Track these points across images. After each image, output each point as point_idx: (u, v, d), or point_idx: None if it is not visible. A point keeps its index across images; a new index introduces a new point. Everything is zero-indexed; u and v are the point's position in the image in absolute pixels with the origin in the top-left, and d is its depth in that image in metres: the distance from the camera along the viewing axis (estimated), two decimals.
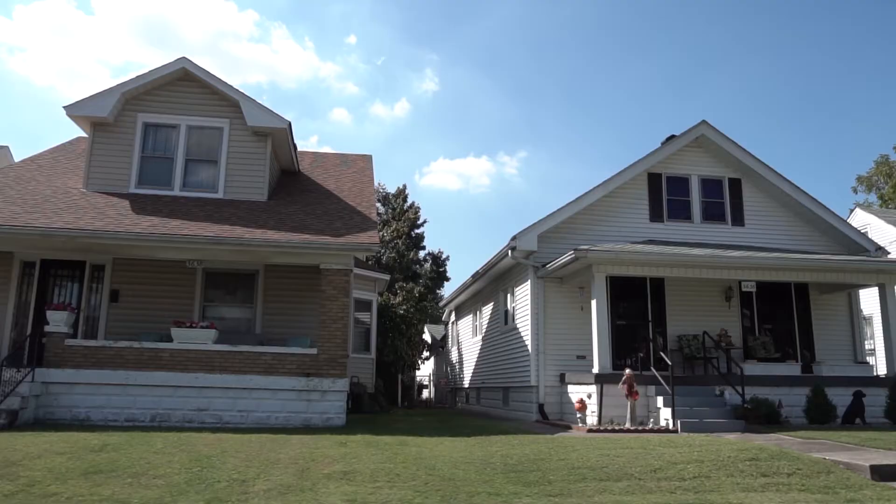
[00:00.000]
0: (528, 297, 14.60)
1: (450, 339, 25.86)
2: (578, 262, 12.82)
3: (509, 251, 14.53)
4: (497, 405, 17.27)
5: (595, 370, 12.67)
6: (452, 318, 25.02)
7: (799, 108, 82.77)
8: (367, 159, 18.69)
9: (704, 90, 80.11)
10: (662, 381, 12.09)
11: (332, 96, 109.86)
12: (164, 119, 14.28)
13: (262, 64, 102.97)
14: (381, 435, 10.24)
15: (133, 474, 6.72)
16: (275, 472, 7.01)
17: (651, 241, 14.91)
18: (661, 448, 8.54)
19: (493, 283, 17.98)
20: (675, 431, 11.11)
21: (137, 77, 14.09)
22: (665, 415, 11.79)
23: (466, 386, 21.43)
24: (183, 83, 14.44)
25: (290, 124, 14.22)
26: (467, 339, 21.67)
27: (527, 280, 14.84)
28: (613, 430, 11.23)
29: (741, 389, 12.02)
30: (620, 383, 11.97)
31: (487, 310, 18.94)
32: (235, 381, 11.71)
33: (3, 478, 6.38)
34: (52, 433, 9.26)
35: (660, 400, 12.05)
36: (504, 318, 17.04)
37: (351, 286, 13.02)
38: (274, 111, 14.22)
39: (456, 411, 20.52)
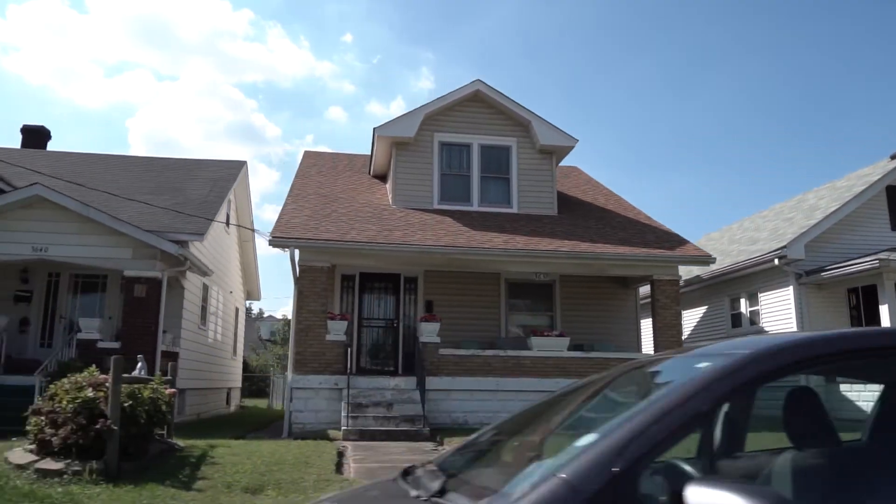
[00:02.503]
0: (791, 301, 15.65)
1: None
2: (879, 269, 13.90)
3: (776, 259, 15.58)
4: None
5: None
6: None
7: (798, 108, 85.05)
8: (579, 170, 19.65)
9: (704, 90, 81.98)
10: None
11: (328, 95, 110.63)
12: (458, 138, 15.10)
13: (258, 63, 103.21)
14: None
15: None
16: None
17: (894, 249, 16.04)
18: None
19: (709, 287, 19.00)
20: None
21: (437, 99, 14.91)
22: None
23: None
24: (473, 104, 15.27)
25: (577, 142, 15.12)
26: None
27: (784, 286, 15.89)
28: None
29: None
30: None
31: (693, 313, 19.96)
32: None
33: None
34: None
35: None
36: (732, 321, 18.09)
37: (679, 295, 13.95)
38: (563, 130, 15.11)
39: None
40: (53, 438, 6.51)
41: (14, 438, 9.33)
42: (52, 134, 19.23)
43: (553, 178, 15.30)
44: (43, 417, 6.80)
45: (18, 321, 13.18)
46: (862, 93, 78.28)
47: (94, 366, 7.88)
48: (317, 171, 17.22)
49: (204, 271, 13.60)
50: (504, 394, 12.39)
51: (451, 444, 9.83)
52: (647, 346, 17.84)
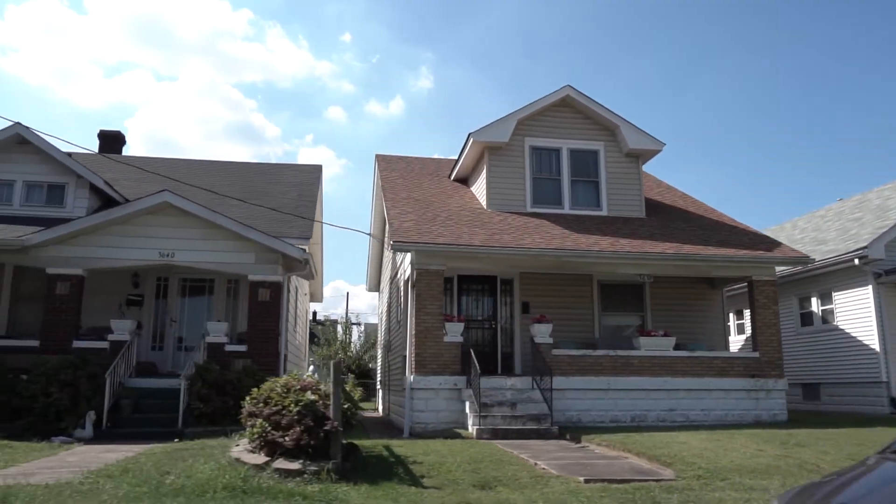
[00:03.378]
0: (870, 300, 16.01)
1: None
2: None
3: (856, 259, 15.94)
4: (793, 400, 18.67)
5: None
6: None
7: (798, 108, 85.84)
8: (646, 173, 19.97)
9: (703, 89, 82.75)
10: None
11: (328, 95, 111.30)
12: (548, 142, 15.42)
13: (257, 63, 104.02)
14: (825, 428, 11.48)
15: None
16: None
17: None
18: None
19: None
20: None
21: (528, 105, 15.23)
22: None
23: None
24: (561, 108, 15.59)
25: (664, 145, 15.44)
26: None
27: (862, 285, 16.26)
28: None
29: None
30: None
31: None
32: (696, 383, 13.00)
33: None
34: (671, 433, 10.40)
35: None
36: (801, 320, 18.47)
37: (777, 295, 14.26)
38: (650, 133, 15.44)
39: None
40: (283, 440, 6.79)
41: (176, 440, 9.64)
42: (126, 139, 19.45)
43: (640, 182, 15.64)
44: (261, 420, 7.08)
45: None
46: (861, 93, 79.07)
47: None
48: (398, 175, 17.53)
49: (312, 274, 13.89)
50: (614, 392, 12.72)
51: (592, 442, 10.16)
52: (734, 344, 18.23)
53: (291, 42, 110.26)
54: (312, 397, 7.08)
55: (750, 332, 20.88)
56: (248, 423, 7.23)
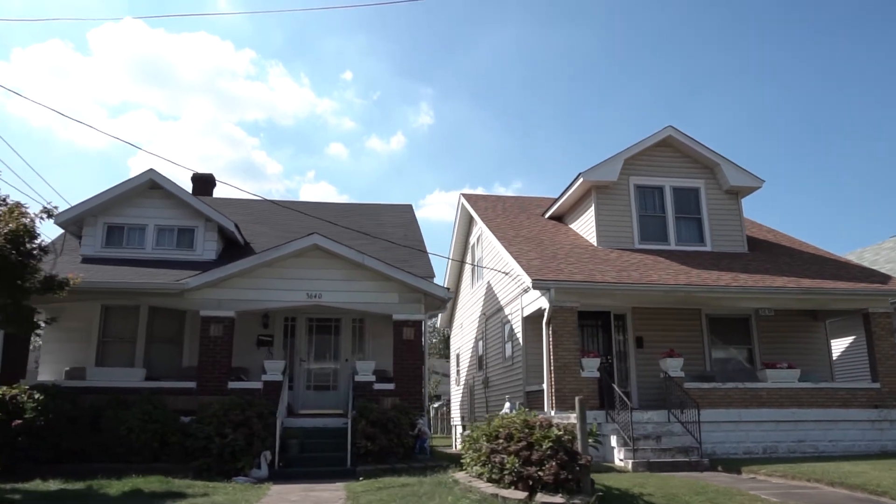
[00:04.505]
0: None
1: None
2: None
3: None
4: None
5: None
6: None
7: (797, 131, 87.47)
8: None
9: (702, 113, 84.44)
10: None
11: (329, 132, 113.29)
12: (651, 181, 15.95)
13: (260, 101, 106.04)
14: None
15: None
16: None
17: None
18: None
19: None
20: None
21: (633, 145, 15.78)
22: None
23: None
24: (661, 148, 16.14)
25: (763, 182, 15.96)
26: None
27: None
28: None
29: None
30: None
31: (838, 343, 20.68)
32: (821, 414, 13.28)
33: None
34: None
35: None
36: None
37: (893, 327, 14.67)
38: (750, 171, 15.97)
39: None
40: (540, 475, 7.05)
41: (361, 478, 9.86)
42: (216, 181, 19.91)
43: (741, 217, 16.12)
44: (510, 456, 7.35)
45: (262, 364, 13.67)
46: (861, 111, 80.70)
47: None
48: (492, 213, 17.98)
49: (439, 312, 14.23)
50: (745, 424, 12.98)
51: (758, 473, 10.40)
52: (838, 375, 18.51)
53: (293, 80, 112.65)
54: (559, 433, 7.37)
55: (835, 360, 21.22)
56: (496, 460, 7.49)
